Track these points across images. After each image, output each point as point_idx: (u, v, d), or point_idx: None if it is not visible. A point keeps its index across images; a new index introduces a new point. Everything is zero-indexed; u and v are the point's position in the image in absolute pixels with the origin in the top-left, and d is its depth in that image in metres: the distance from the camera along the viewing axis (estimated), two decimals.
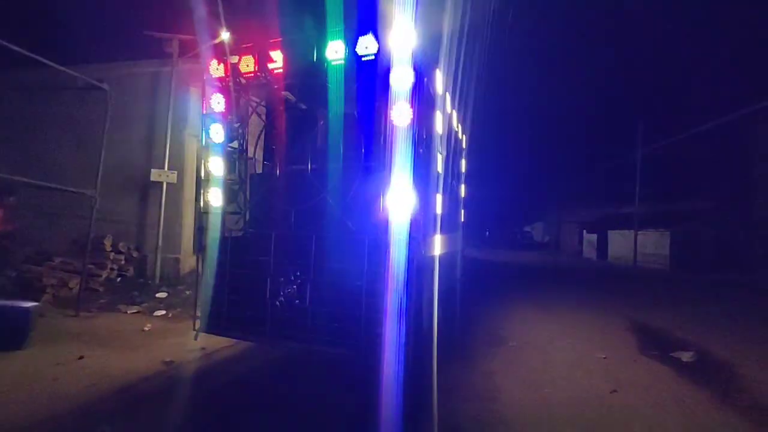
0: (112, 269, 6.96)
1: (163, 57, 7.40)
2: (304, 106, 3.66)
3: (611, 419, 3.06)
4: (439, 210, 3.97)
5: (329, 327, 3.08)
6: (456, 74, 5.45)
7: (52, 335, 4.51)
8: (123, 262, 7.21)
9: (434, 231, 3.84)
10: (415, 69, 2.93)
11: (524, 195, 42.87)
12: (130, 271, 7.33)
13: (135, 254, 7.50)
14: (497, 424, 2.92)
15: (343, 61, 3.27)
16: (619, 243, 20.56)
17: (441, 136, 4.17)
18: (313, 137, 3.37)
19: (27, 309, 4.06)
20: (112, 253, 7.05)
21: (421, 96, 3.34)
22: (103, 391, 3.27)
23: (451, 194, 5.18)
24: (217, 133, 3.67)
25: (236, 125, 3.78)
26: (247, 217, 3.66)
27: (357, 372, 3.17)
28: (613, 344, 5.19)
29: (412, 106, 3.02)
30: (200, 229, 3.60)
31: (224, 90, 3.68)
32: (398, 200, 2.93)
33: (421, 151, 3.28)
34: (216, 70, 3.64)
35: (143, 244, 7.61)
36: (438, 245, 4.02)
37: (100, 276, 6.63)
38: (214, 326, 3.54)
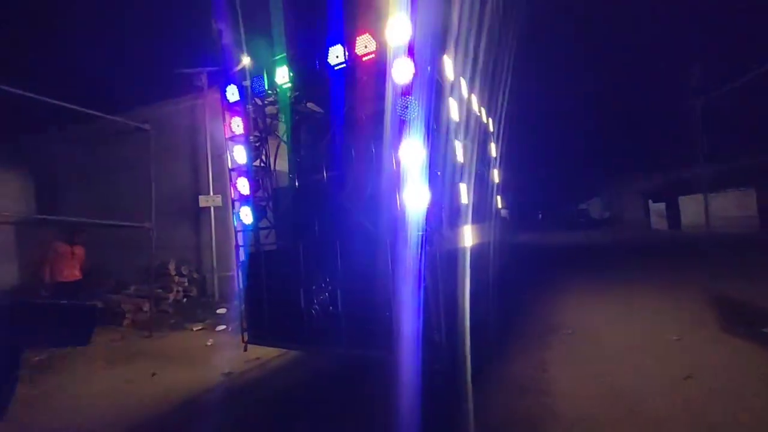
0: (178, 291, 7.61)
1: (195, 91, 7.97)
2: (314, 114, 3.73)
3: (684, 411, 2.72)
4: (464, 200, 3.82)
5: (362, 330, 3.10)
6: (473, 57, 5.24)
7: (130, 355, 5.03)
8: (186, 284, 7.85)
9: (460, 222, 3.71)
10: (414, 60, 2.85)
11: (576, 171, 40.10)
12: (194, 292, 7.96)
13: (195, 275, 8.14)
14: (548, 420, 2.73)
15: (344, 64, 3.29)
16: (693, 209, 18.45)
17: (458, 124, 4.02)
18: (325, 144, 3.42)
19: (91, 306, 4.44)
20: (177, 277, 7.72)
21: (427, 86, 3.24)
22: (172, 403, 3.57)
23: (480, 182, 4.98)
24: (240, 154, 3.87)
25: (257, 144, 3.95)
26: (277, 231, 3.80)
27: (395, 373, 3.15)
28: (689, 323, 4.63)
29: (416, 98, 2.95)
30: (236, 247, 3.80)
31: (242, 113, 3.86)
32: (412, 195, 2.88)
33: (432, 141, 3.18)
34: (232, 95, 3.84)
35: (201, 265, 8.24)
36: (467, 236, 3.87)
37: (168, 298, 7.28)
38: (259, 337, 3.73)
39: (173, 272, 7.70)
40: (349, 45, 3.24)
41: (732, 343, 3.90)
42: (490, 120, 6.15)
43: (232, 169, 3.89)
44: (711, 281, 6.70)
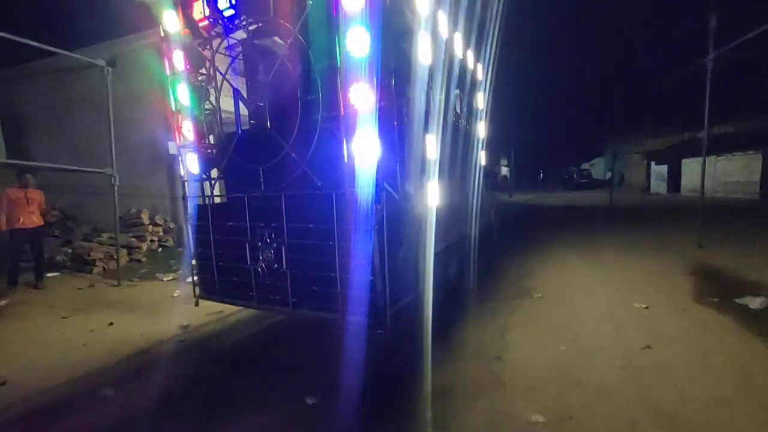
0: (152, 241, 7.49)
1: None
2: (265, 49, 3.25)
3: (635, 383, 2.61)
4: (432, 154, 3.47)
5: (308, 291, 2.92)
6: None
7: (94, 304, 4.96)
8: (162, 234, 7.71)
9: (425, 178, 3.39)
10: None
11: (579, 129, 38.79)
12: (170, 242, 7.85)
13: (172, 225, 7.97)
14: (494, 388, 2.63)
15: None
16: (695, 173, 17.93)
17: (430, 67, 3.55)
18: (270, 86, 3.00)
19: None
20: (150, 226, 7.55)
21: (388, 18, 2.77)
22: (120, 356, 3.51)
23: (459, 135, 4.58)
24: (183, 94, 3.45)
25: (203, 83, 3.51)
26: (225, 181, 3.50)
27: (344, 334, 3.03)
28: (662, 291, 4.49)
29: (370, 32, 2.50)
30: (184, 198, 3.52)
31: (184, 45, 3.39)
32: (361, 146, 2.54)
33: (388, 86, 2.77)
34: (170, 24, 3.34)
35: (177, 215, 8.04)
36: (435, 194, 3.57)
37: (141, 248, 7.16)
38: (209, 292, 3.57)
39: (147, 221, 7.52)
40: None
41: (701, 313, 3.77)
42: (479, 67, 5.58)
43: (176, 112, 3.50)
44: (696, 249, 6.53)
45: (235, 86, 3.21)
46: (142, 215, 7.54)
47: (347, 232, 2.67)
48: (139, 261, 6.98)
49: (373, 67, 2.55)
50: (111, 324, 4.25)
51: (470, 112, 5.47)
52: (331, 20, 2.67)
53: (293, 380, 2.87)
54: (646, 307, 3.96)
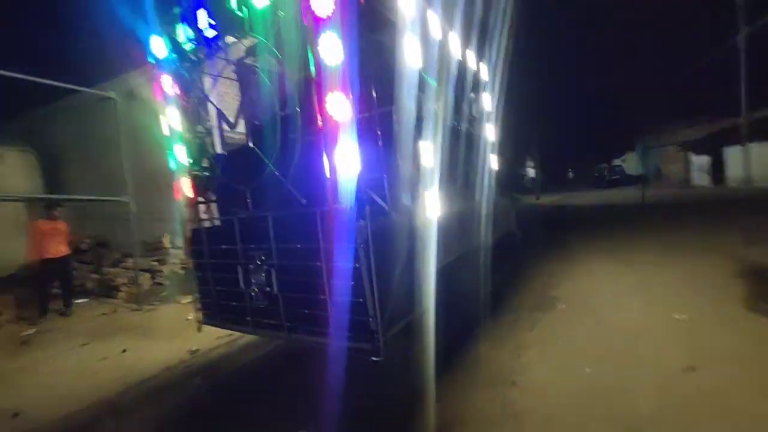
0: (174, 263, 7.65)
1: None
2: (245, 68, 3.20)
3: (676, 415, 2.23)
4: (429, 162, 3.26)
5: (298, 314, 2.76)
6: None
7: (114, 330, 5.05)
8: (183, 256, 7.87)
9: (421, 188, 3.17)
10: None
11: (608, 124, 37.03)
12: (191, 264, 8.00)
13: None
14: (505, 420, 2.33)
15: (269, 2, 2.72)
16: (741, 163, 16.48)
17: (424, 72, 3.37)
18: (251, 103, 2.93)
19: None
20: (171, 249, 7.73)
21: (364, 21, 2.63)
22: (128, 384, 3.49)
23: (462, 140, 4.34)
24: (175, 118, 3.45)
25: (194, 106, 3.50)
26: (218, 204, 3.44)
27: (350, 363, 2.84)
28: (707, 298, 3.98)
29: (344, 37, 2.37)
30: (182, 222, 3.49)
31: (173, 69, 3.40)
32: (342, 159, 2.38)
33: (371, 92, 2.61)
34: (157, 49, 3.36)
35: None
36: (434, 204, 3.35)
37: (162, 271, 7.32)
38: (210, 317, 3.49)
39: (167, 245, 7.71)
40: None
41: (756, 324, 3.27)
42: (482, 66, 5.33)
43: (169, 136, 3.50)
44: (745, 248, 5.84)
45: (217, 107, 3.16)
46: (164, 239, 7.74)
47: (334, 251, 2.50)
48: (160, 284, 7.12)
49: (349, 75, 2.40)
50: (124, 351, 4.27)
51: (476, 115, 5.22)
52: (304, 29, 2.55)
53: (288, 412, 2.70)
54: (688, 319, 3.50)
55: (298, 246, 2.68)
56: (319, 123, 2.48)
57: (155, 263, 7.36)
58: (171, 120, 3.46)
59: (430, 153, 3.28)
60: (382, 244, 2.56)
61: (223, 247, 3.18)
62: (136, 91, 7.63)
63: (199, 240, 3.38)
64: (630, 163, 32.95)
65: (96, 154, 9.22)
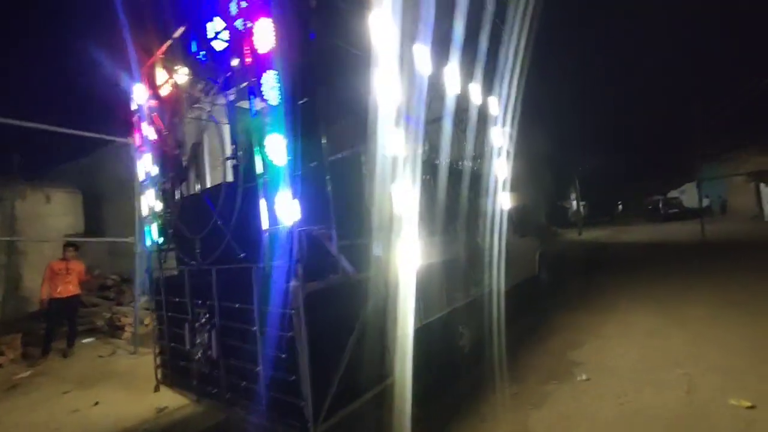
0: None
1: None
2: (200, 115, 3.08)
3: None
4: (405, 207, 2.86)
5: (236, 385, 2.38)
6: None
7: (101, 376, 4.92)
8: None
9: (394, 237, 2.76)
10: (287, 18, 2.05)
11: (663, 152, 34.36)
12: None
13: None
14: None
15: (226, 43, 2.59)
16: None
17: (408, 109, 3.07)
18: (201, 147, 2.75)
19: None
20: None
21: (322, 58, 2.41)
22: None
23: (464, 179, 3.92)
24: (148, 163, 3.38)
25: (165, 151, 3.43)
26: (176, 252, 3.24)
27: None
28: None
29: (287, 76, 2.14)
30: (147, 271, 3.32)
31: (151, 116, 3.37)
32: (281, 207, 2.07)
33: (319, 133, 2.32)
34: (138, 96, 3.37)
35: None
36: (412, 254, 2.90)
37: None
38: (165, 377, 3.21)
39: None
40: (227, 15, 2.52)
41: None
42: (491, 100, 4.96)
43: (143, 182, 3.43)
44: None
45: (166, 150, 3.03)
46: None
47: (268, 315, 2.13)
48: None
49: (292, 116, 2.14)
50: (96, 404, 4.06)
51: (482, 152, 4.80)
52: (248, 68, 2.36)
53: None
54: (752, 407, 2.65)
55: (237, 306, 2.35)
56: (259, 168, 2.22)
57: None
58: (146, 165, 3.40)
59: (407, 197, 2.89)
60: (329, 308, 2.17)
61: (176, 299, 2.93)
62: None
63: (158, 290, 3.17)
64: (689, 195, 30.05)
65: (127, 196, 9.82)
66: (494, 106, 5.03)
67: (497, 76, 6.03)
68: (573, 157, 27.79)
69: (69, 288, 5.77)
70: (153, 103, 3.28)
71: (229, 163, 2.43)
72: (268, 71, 2.10)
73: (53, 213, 10.28)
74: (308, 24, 2.33)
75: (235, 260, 2.34)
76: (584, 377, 3.43)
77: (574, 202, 30.82)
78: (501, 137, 5.10)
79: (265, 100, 2.11)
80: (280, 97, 2.08)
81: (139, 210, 6.37)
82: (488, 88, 5.12)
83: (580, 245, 16.19)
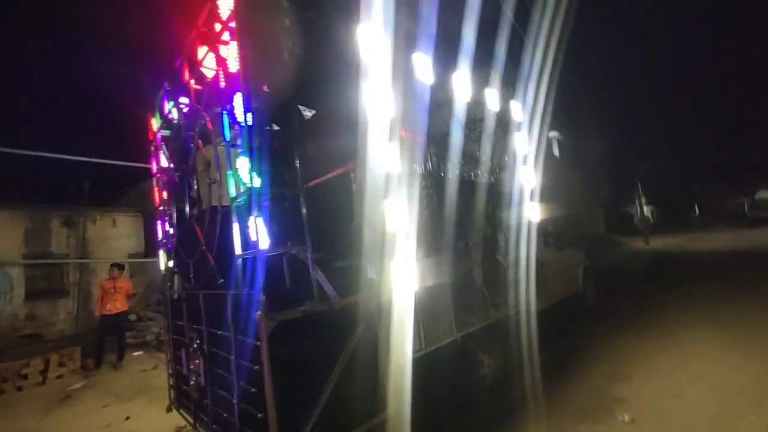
0: None
1: None
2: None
3: None
4: (401, 225, 2.67)
5: (219, 417, 2.31)
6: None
7: (140, 390, 5.20)
8: None
9: (388, 258, 2.57)
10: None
11: (747, 146, 30.18)
12: None
13: None
14: None
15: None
16: None
17: (405, 122, 2.92)
18: (191, 172, 2.80)
19: None
20: None
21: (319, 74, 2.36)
22: None
23: (474, 193, 3.63)
24: (163, 190, 3.54)
25: (180, 176, 3.58)
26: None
27: None
28: None
29: (259, 96, 2.12)
30: (161, 293, 3.45)
31: (166, 143, 3.55)
32: (254, 231, 2.00)
33: (293, 151, 2.24)
34: (155, 123, 3.57)
35: None
36: (410, 276, 2.69)
37: None
38: (176, 401, 3.26)
39: None
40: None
41: None
42: (513, 105, 4.62)
43: (158, 207, 3.60)
44: None
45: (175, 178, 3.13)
46: None
47: (240, 344, 2.05)
48: None
49: (263, 138, 2.09)
50: (127, 418, 4.27)
51: (501, 161, 4.46)
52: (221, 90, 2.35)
53: None
54: None
55: (218, 332, 2.31)
56: (233, 191, 2.19)
57: None
58: (159, 190, 3.56)
59: (403, 214, 2.71)
60: (305, 337, 2.04)
61: (179, 322, 2.98)
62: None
63: (167, 311, 3.26)
64: None
65: None
66: (517, 111, 4.68)
67: (529, 79, 5.66)
68: (638, 158, 25.40)
69: (116, 305, 6.26)
70: (165, 132, 3.46)
71: (214, 187, 2.44)
72: (237, 93, 2.08)
73: (119, 235, 11.40)
74: (283, 43, 2.29)
75: (216, 286, 2.31)
76: (626, 418, 2.92)
77: (640, 208, 27.97)
78: (526, 144, 4.72)
79: (237, 123, 2.08)
80: (250, 119, 2.03)
81: None
82: (511, 92, 4.80)
83: (644, 256, 14.53)
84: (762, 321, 4.80)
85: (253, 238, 1.96)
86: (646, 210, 26.78)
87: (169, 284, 3.27)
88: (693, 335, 4.60)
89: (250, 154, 1.98)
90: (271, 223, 1.99)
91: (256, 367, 1.87)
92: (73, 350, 6.27)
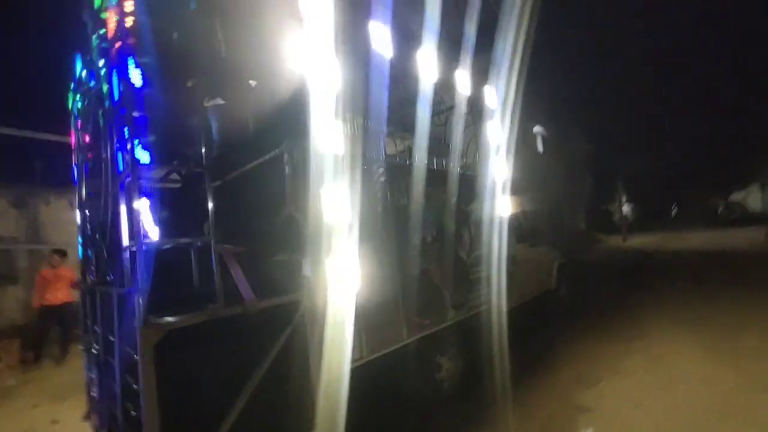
0: None
1: None
2: None
3: None
4: (339, 216, 2.33)
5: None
6: None
7: (76, 389, 4.75)
8: None
9: (323, 253, 2.22)
10: None
11: (726, 149, 30.78)
12: None
13: None
14: None
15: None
16: None
17: (350, 99, 2.56)
18: None
19: None
20: None
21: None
22: None
23: (434, 184, 3.30)
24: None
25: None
26: None
27: None
28: None
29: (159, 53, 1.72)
30: (79, 286, 3.04)
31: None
32: (143, 218, 1.63)
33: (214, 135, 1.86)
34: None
35: None
36: (350, 273, 2.35)
37: None
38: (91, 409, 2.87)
39: None
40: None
41: None
42: (487, 91, 4.30)
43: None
44: None
45: None
46: None
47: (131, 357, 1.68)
48: None
49: (161, 102, 1.70)
50: (54, 422, 3.87)
51: (470, 150, 4.15)
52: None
53: None
54: None
55: (110, 338, 1.93)
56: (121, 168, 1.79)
57: None
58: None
59: (345, 203, 2.36)
60: (205, 347, 1.68)
61: (87, 322, 2.58)
62: None
63: (84, 308, 2.86)
64: (753, 198, 26.76)
65: None
66: (491, 98, 4.36)
67: (504, 65, 5.33)
68: (620, 156, 25.61)
69: (58, 295, 5.75)
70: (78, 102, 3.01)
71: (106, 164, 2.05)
72: (131, 49, 1.68)
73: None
74: None
75: (109, 282, 1.93)
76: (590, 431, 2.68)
77: (625, 206, 28.32)
78: (499, 134, 4.41)
79: (128, 81, 1.68)
80: (141, 79, 1.64)
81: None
82: (485, 78, 4.46)
83: (622, 253, 14.62)
84: (732, 322, 4.68)
85: (140, 226, 1.59)
86: (626, 208, 27.17)
87: (82, 277, 2.87)
88: (664, 337, 4.43)
89: (137, 121, 1.59)
90: (165, 209, 1.61)
91: (134, 387, 1.52)
92: (10, 342, 5.76)
